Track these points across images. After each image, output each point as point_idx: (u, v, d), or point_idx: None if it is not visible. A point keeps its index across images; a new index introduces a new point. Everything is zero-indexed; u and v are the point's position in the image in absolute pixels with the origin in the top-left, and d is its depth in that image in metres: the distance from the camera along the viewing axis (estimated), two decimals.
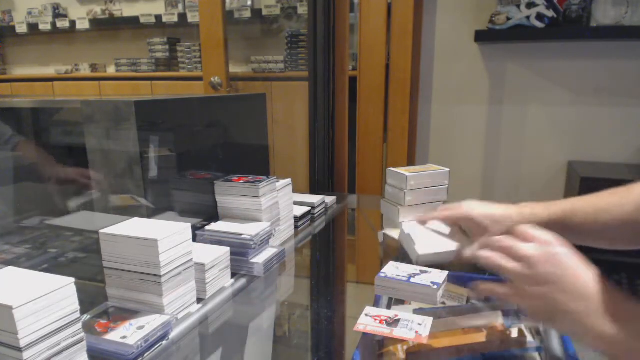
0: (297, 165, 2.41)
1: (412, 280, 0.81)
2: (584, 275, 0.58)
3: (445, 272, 0.84)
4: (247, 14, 2.81)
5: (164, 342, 0.72)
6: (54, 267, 1.02)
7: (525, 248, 0.62)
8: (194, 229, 0.99)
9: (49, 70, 3.59)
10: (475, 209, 0.84)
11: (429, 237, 0.98)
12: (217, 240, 0.98)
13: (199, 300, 0.85)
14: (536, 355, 0.69)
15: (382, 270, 0.85)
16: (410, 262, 0.95)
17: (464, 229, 0.90)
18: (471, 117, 2.13)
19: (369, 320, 0.70)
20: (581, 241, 0.73)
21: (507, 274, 0.63)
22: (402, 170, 1.19)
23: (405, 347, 0.67)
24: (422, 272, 0.85)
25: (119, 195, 0.93)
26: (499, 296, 0.65)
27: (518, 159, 2.10)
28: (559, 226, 0.73)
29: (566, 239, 0.63)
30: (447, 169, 1.21)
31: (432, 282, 0.80)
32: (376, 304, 0.82)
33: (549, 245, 0.61)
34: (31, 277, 0.61)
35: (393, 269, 0.86)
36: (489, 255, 0.66)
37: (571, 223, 0.75)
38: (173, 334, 0.74)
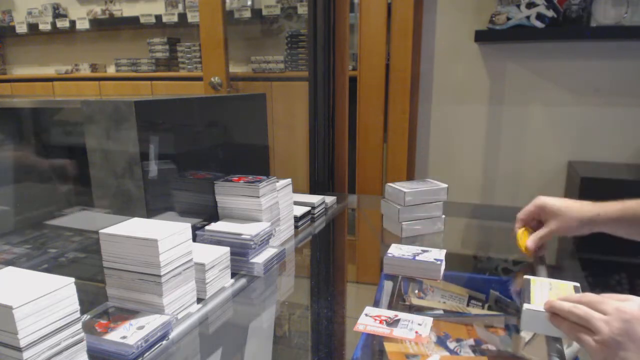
0: (297, 165, 2.41)
1: (417, 258, 0.90)
2: None
3: (444, 251, 0.92)
4: (247, 14, 2.81)
5: (164, 342, 0.72)
6: (54, 267, 1.02)
7: (599, 321, 0.59)
8: (194, 229, 0.99)
9: (49, 70, 3.59)
10: (548, 199, 0.94)
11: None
12: (217, 240, 0.98)
13: (199, 300, 0.85)
14: None
15: (388, 251, 0.93)
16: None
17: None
18: (471, 117, 2.12)
19: (369, 320, 0.70)
20: None
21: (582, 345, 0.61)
22: (400, 187, 1.22)
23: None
24: (423, 251, 0.94)
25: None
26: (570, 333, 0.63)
27: (518, 159, 2.10)
28: (629, 221, 0.83)
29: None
30: (445, 185, 1.23)
31: (435, 259, 0.88)
32: (376, 304, 0.82)
33: (622, 314, 0.58)
34: (31, 277, 0.61)
35: (397, 250, 0.94)
36: (560, 325, 0.64)
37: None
38: (173, 334, 0.74)
